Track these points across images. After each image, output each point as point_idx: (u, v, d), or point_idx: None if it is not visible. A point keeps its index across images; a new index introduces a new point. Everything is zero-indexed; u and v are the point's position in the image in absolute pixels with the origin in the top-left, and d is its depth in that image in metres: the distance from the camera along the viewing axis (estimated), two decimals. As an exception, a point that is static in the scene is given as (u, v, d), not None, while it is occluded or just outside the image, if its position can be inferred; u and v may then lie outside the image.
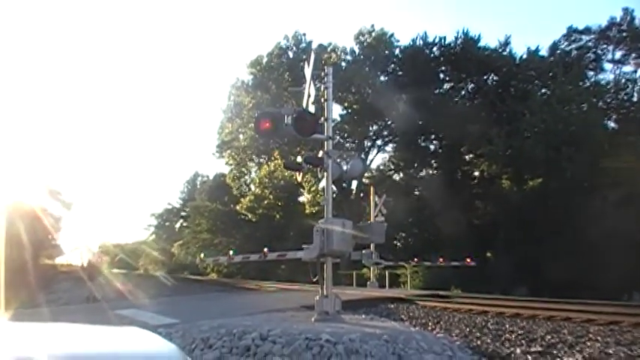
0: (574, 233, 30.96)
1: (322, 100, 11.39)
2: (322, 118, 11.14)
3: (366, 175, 44.26)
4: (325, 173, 10.93)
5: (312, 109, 11.08)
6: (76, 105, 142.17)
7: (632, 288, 30.93)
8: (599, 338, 9.72)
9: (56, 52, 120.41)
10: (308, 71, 11.42)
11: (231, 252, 16.92)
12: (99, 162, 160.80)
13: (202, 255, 37.77)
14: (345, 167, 11.92)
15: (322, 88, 11.37)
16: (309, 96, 11.10)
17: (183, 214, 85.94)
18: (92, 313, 14.27)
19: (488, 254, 38.14)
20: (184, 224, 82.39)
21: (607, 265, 28.56)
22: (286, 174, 43.71)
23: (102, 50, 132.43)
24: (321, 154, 11.02)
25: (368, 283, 28.89)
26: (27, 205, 38.98)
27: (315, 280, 10.82)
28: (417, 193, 43.70)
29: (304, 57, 13.44)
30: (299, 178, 12.24)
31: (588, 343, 9.39)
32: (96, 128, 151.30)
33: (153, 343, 3.01)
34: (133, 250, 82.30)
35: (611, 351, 8.78)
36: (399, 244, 40.94)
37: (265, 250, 13.80)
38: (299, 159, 11.43)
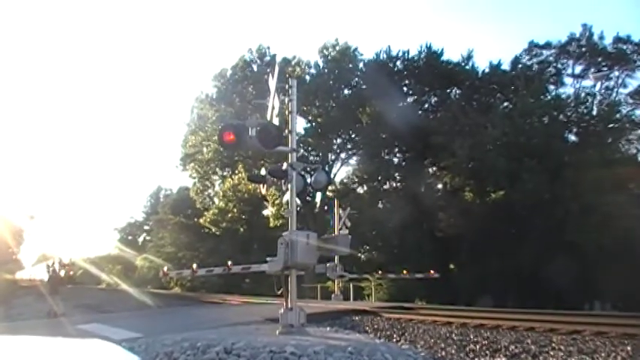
0: (536, 244, 31.28)
1: (286, 112, 11.37)
2: (286, 131, 11.12)
3: (330, 188, 44.27)
4: (289, 185, 10.90)
5: (276, 121, 11.05)
6: (39, 117, 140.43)
7: (594, 297, 31.31)
8: (561, 347, 9.82)
9: (16, 64, 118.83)
10: (272, 84, 11.41)
11: (194, 265, 16.73)
12: (62, 175, 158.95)
13: (166, 268, 37.33)
14: (309, 180, 11.93)
15: (286, 101, 11.35)
16: (273, 108, 11.08)
17: (146, 227, 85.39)
18: (53, 328, 14.03)
19: (452, 266, 38.32)
20: (147, 238, 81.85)
21: (569, 275, 28.90)
22: (250, 187, 43.61)
23: (64, 63, 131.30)
24: (285, 166, 10.98)
25: (332, 295, 28.84)
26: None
27: (279, 292, 10.78)
28: (380, 205, 43.83)
29: (268, 70, 13.54)
30: (263, 191, 12.12)
31: (551, 353, 9.49)
32: (58, 141, 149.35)
33: (116, 355, 2.96)
34: (96, 264, 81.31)
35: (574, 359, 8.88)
36: (363, 256, 40.93)
37: (229, 263, 13.68)
38: (263, 171, 11.41)
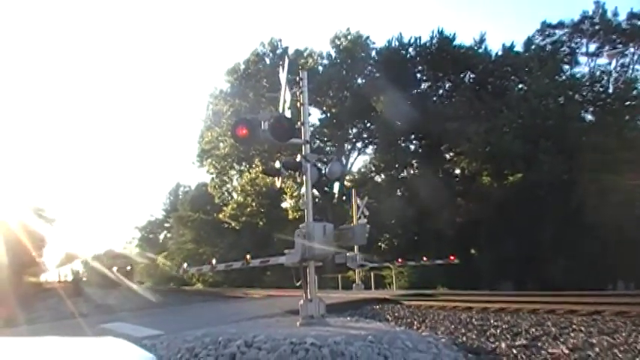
0: (556, 226, 31.16)
1: (298, 104, 11.40)
2: (299, 123, 11.16)
3: (347, 178, 44.30)
4: (304, 177, 10.95)
5: (288, 114, 11.09)
6: (56, 119, 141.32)
7: (617, 277, 31.16)
8: (582, 328, 9.82)
9: (31, 68, 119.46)
10: (283, 76, 11.45)
11: (213, 260, 16.80)
12: (80, 176, 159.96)
13: (185, 265, 37.52)
14: (323, 170, 11.98)
15: (298, 93, 11.38)
16: (284, 101, 11.12)
17: (166, 225, 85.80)
18: (76, 329, 14.18)
19: (473, 251, 38.22)
20: (168, 235, 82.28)
21: (591, 256, 28.78)
22: (268, 180, 43.64)
23: (79, 63, 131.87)
24: (299, 158, 11.03)
25: (354, 285, 28.90)
26: (8, 223, 38.54)
27: (298, 284, 10.84)
28: (399, 193, 43.75)
29: (281, 63, 13.57)
30: (278, 184, 12.13)
31: (572, 334, 9.48)
32: (76, 142, 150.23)
33: (130, 353, 3.01)
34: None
35: (594, 340, 8.86)
36: (383, 245, 40.92)
37: (247, 257, 13.73)
38: (277, 164, 11.44)
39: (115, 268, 49.08)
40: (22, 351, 2.97)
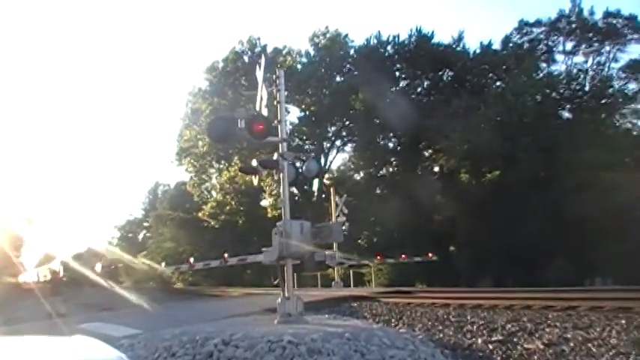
0: (534, 223, 31.32)
1: (275, 102, 11.41)
2: (276, 121, 11.16)
3: (327, 176, 44.31)
4: (281, 175, 10.96)
5: (265, 112, 11.09)
6: (32, 118, 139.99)
7: (594, 273, 31.39)
8: (557, 324, 9.90)
9: (6, 65, 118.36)
10: (260, 75, 11.46)
11: (191, 259, 16.86)
12: (58, 175, 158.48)
13: (163, 264, 37.32)
14: (301, 169, 12.00)
15: (275, 91, 11.39)
16: (261, 99, 11.13)
17: (145, 224, 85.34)
18: (54, 329, 14.09)
19: (451, 248, 38.38)
20: (147, 234, 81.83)
21: (569, 252, 28.97)
22: (247, 178, 43.54)
23: (54, 62, 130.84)
24: (275, 156, 11.04)
25: (333, 283, 28.93)
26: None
27: (276, 283, 10.86)
28: (378, 191, 43.84)
29: (258, 61, 13.38)
30: (255, 182, 12.13)
31: (547, 329, 9.57)
32: (53, 142, 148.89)
33: (98, 350, 3.01)
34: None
35: (569, 335, 8.96)
36: (362, 242, 40.99)
37: (225, 255, 13.75)
38: (254, 162, 11.45)
39: (98, 267, 48.71)
40: None
